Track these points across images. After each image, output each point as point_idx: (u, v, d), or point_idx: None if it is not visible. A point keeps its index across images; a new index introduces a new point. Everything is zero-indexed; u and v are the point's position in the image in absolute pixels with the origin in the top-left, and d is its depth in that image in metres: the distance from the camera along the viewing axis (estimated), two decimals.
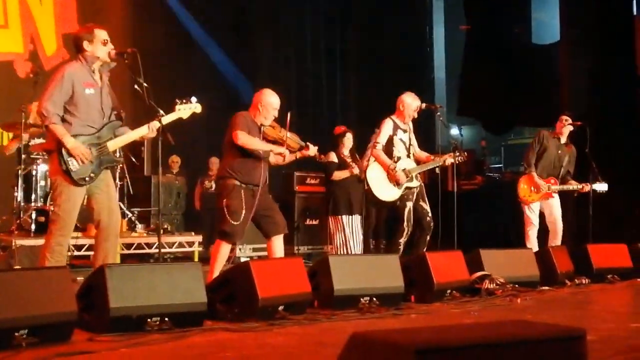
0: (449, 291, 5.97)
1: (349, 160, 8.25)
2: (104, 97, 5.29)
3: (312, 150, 6.10)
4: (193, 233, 9.21)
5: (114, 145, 5.29)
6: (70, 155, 5.04)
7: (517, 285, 6.27)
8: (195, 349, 3.88)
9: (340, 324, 4.79)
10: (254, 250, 9.41)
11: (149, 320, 4.26)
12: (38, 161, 8.01)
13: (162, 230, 8.88)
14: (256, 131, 5.92)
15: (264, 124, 5.97)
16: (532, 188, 8.18)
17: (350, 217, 8.11)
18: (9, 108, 9.42)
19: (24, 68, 11.08)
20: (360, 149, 8.47)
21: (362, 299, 5.34)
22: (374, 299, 5.38)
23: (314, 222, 10.00)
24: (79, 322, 4.08)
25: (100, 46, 5.21)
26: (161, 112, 5.29)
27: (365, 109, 12.90)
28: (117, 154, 5.61)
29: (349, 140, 8.34)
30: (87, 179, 5.11)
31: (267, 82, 6.70)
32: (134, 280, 4.32)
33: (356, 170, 8.02)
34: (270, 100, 6.00)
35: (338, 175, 8.07)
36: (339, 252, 7.93)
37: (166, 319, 4.31)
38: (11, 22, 11.20)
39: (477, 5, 12.78)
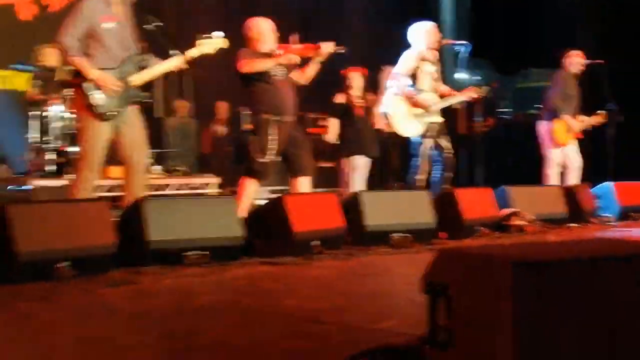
0: (477, 228, 5.90)
1: (357, 102, 8.07)
2: (125, 31, 5.11)
3: (326, 46, 5.89)
4: (212, 175, 9.11)
5: (140, 79, 5.14)
6: (94, 87, 4.90)
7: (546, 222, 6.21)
8: (240, 281, 3.83)
9: (377, 257, 4.77)
10: (273, 192, 9.32)
11: (186, 253, 4.20)
12: (51, 102, 7.85)
13: (178, 172, 8.83)
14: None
15: (273, 49, 5.84)
16: (566, 130, 8.07)
17: (360, 157, 7.97)
18: (15, 51, 9.23)
19: (28, 10, 10.85)
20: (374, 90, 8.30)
21: (393, 235, 5.29)
22: (406, 235, 5.32)
23: (329, 164, 9.90)
24: (117, 255, 4.02)
25: None
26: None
27: (372, 51, 12.69)
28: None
29: (353, 79, 8.08)
30: (112, 113, 4.97)
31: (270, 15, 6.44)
32: (172, 213, 4.26)
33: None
34: (260, 26, 5.87)
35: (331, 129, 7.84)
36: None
37: (204, 252, 4.25)
38: None
39: None
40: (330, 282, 3.87)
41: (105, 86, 4.87)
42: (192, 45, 5.24)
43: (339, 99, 7.84)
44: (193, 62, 5.19)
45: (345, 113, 7.79)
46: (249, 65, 5.69)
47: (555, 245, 2.40)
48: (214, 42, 5.29)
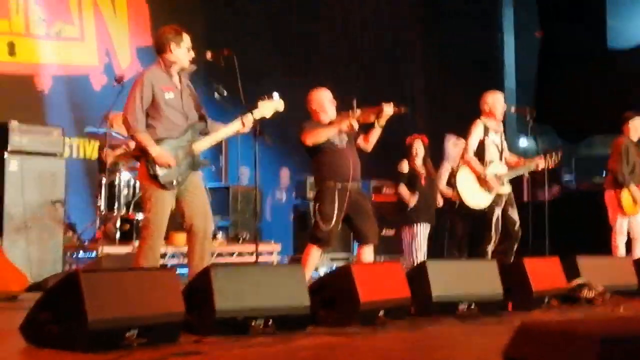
0: (546, 299, 5.76)
1: (422, 171, 8.07)
2: (184, 99, 5.24)
3: (388, 108, 5.91)
4: (272, 241, 9.15)
5: (201, 146, 5.24)
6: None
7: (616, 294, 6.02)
8: (307, 351, 3.78)
9: (444, 329, 4.67)
10: (332, 260, 9.31)
11: (253, 322, 4.18)
12: (121, 169, 8.05)
13: (240, 239, 8.89)
14: None
15: (332, 118, 5.88)
16: (634, 200, 7.90)
17: (421, 225, 7.92)
18: (87, 119, 9.54)
19: (99, 80, 11.24)
20: (432, 158, 8.29)
21: (460, 306, 5.19)
22: (473, 305, 5.22)
23: (390, 232, 9.85)
24: (184, 323, 4.02)
25: (185, 52, 5.17)
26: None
27: (433, 118, 12.72)
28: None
29: (418, 148, 8.11)
30: (174, 182, 5.07)
31: (328, 86, 6.53)
32: (239, 282, 4.25)
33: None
34: (319, 95, 5.99)
35: (402, 194, 7.83)
36: (412, 263, 7.75)
37: (270, 321, 4.23)
38: (87, 36, 11.36)
39: (551, 11, 12.54)
40: (399, 354, 3.80)
41: (162, 164, 4.98)
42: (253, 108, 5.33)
43: (404, 167, 7.85)
44: (259, 129, 5.26)
45: (409, 181, 7.79)
46: (312, 137, 5.77)
47: (637, 320, 2.31)
48: (272, 104, 5.37)
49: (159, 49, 5.21)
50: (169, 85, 5.15)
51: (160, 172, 5.02)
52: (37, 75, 10.49)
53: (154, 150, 5.01)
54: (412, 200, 7.77)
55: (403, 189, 7.77)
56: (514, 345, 2.02)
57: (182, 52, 5.17)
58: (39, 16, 10.51)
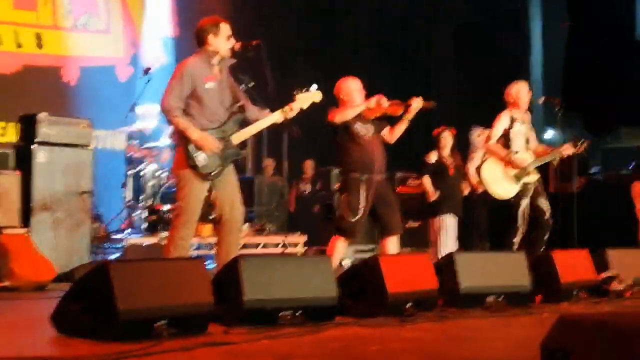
0: (575, 292, 5.70)
1: (449, 162, 8.03)
2: (224, 90, 5.24)
3: (417, 102, 5.89)
4: (298, 233, 9.14)
5: (238, 138, 5.24)
6: (197, 149, 5.00)
7: None
8: (337, 342, 3.78)
9: (472, 321, 4.65)
10: (357, 252, 9.28)
11: (281, 313, 4.18)
12: (147, 160, 8.08)
13: (266, 230, 8.90)
14: (355, 118, 5.81)
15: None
16: None
17: (445, 216, 7.87)
18: (114, 112, 9.58)
19: (125, 72, 11.28)
20: (460, 148, 8.25)
21: (488, 298, 5.15)
22: (501, 297, 5.18)
23: (416, 224, 9.81)
24: (213, 313, 4.02)
25: (224, 41, 5.15)
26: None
27: (461, 111, 12.63)
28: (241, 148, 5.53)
29: (446, 139, 8.06)
30: (213, 173, 5.06)
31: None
32: (267, 272, 4.25)
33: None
34: (348, 84, 5.96)
35: (426, 186, 7.78)
36: (438, 254, 7.71)
37: (298, 312, 4.22)
38: (113, 27, 11.40)
39: (579, 2, 12.41)
40: (428, 346, 3.78)
41: (206, 147, 4.97)
42: (289, 100, 5.31)
43: (432, 158, 7.82)
44: (288, 119, 5.26)
45: (437, 172, 7.75)
46: (341, 114, 5.74)
47: None
48: (310, 95, 5.36)
49: (199, 40, 5.20)
50: (209, 75, 5.15)
51: (199, 162, 5.01)
52: (64, 67, 10.55)
53: (194, 133, 4.99)
54: (433, 195, 7.73)
55: (427, 181, 7.74)
56: (554, 336, 1.99)
57: (221, 41, 5.15)
58: (66, 8, 10.56)
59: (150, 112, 8.30)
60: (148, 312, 3.71)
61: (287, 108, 5.26)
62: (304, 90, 5.35)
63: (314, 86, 5.37)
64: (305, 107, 5.37)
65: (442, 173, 7.86)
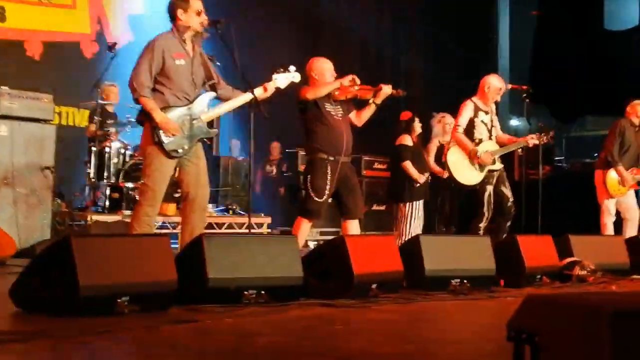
0: (538, 276, 5.75)
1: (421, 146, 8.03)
2: (195, 68, 5.16)
3: (387, 88, 5.88)
4: (262, 214, 9.11)
5: (209, 116, 5.17)
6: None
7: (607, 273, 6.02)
8: (301, 322, 3.76)
9: (437, 303, 4.66)
10: (321, 234, 9.28)
11: (245, 292, 4.14)
12: (111, 138, 7.97)
13: (231, 211, 8.84)
14: (325, 98, 5.78)
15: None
16: (619, 181, 7.89)
17: (416, 203, 7.87)
18: (77, 87, 9.44)
19: (90, 48, 11.10)
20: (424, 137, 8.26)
21: (452, 281, 5.17)
22: (465, 281, 5.20)
23: (381, 208, 9.83)
24: (176, 291, 3.97)
25: (194, 16, 5.06)
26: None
27: (428, 97, 12.66)
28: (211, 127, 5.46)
29: (417, 126, 8.07)
30: (179, 151, 5.00)
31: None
32: (232, 251, 4.21)
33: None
34: (321, 64, 5.90)
35: (410, 170, 7.72)
36: (403, 238, 7.71)
37: (263, 291, 4.18)
38: (78, 3, 11.19)
39: None
40: (393, 327, 3.77)
41: (167, 131, 4.91)
42: (259, 81, 5.26)
43: (408, 141, 7.75)
44: (262, 99, 5.20)
45: (413, 156, 7.72)
46: (313, 90, 5.69)
47: None
48: (288, 76, 5.31)
49: (171, 16, 5.12)
50: (180, 52, 5.07)
51: (165, 139, 4.94)
52: (28, 42, 10.34)
53: (158, 115, 4.92)
54: (421, 178, 7.70)
55: (410, 166, 7.66)
56: (520, 317, 1.98)
57: (189, 17, 5.06)
58: None
59: (113, 92, 8.18)
60: (110, 289, 3.65)
61: (260, 88, 5.21)
62: (281, 71, 5.30)
63: (292, 67, 5.33)
64: (282, 87, 5.33)
65: (418, 158, 7.85)
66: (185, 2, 5.05)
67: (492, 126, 7.14)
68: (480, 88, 7.12)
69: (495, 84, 7.09)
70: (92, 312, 3.52)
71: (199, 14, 5.07)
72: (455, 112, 7.40)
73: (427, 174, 7.83)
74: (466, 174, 6.99)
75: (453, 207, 8.66)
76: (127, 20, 11.65)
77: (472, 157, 6.91)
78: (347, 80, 5.75)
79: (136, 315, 3.62)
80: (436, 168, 8.15)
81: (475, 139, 6.98)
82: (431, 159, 8.29)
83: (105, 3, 11.47)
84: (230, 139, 11.28)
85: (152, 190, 5.00)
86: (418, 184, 7.64)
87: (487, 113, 7.11)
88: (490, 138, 7.08)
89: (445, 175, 7.64)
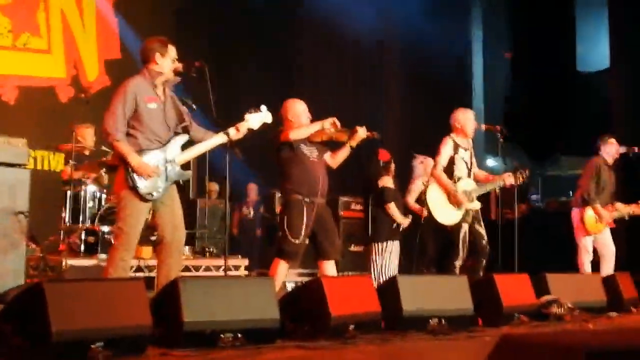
0: (516, 315, 5.74)
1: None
2: (167, 111, 5.16)
3: (362, 131, 5.91)
4: (240, 256, 9.05)
5: (182, 159, 5.17)
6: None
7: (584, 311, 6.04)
8: None
9: (416, 344, 4.63)
10: (299, 275, 9.22)
11: (222, 335, 4.10)
12: (87, 182, 7.92)
13: (207, 254, 8.78)
14: (300, 139, 5.80)
15: None
16: (597, 219, 7.95)
17: (391, 242, 7.84)
18: (52, 132, 9.40)
19: (66, 93, 11.10)
20: (399, 176, 8.27)
21: (430, 321, 5.15)
22: (443, 320, 5.19)
23: (359, 249, 9.80)
24: (151, 336, 3.92)
25: (170, 62, 5.08)
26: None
27: (403, 138, 12.72)
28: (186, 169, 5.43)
29: (393, 166, 8.08)
30: (154, 194, 4.97)
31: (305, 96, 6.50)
32: (208, 294, 4.18)
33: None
34: (296, 106, 5.96)
35: (395, 214, 7.70)
36: (380, 279, 7.67)
37: (239, 334, 4.15)
38: (54, 48, 11.23)
39: (522, 33, 12.68)
40: None
41: (144, 174, 4.89)
42: (233, 122, 5.26)
43: (389, 183, 7.73)
44: (234, 140, 5.21)
45: (392, 197, 7.68)
46: (296, 132, 5.72)
47: (628, 332, 2.29)
48: (261, 116, 5.33)
49: (144, 59, 5.11)
50: (152, 95, 5.06)
51: (139, 183, 4.92)
52: (3, 86, 10.34)
53: (134, 159, 4.90)
54: (406, 220, 7.70)
55: (394, 208, 7.64)
56: (496, 356, 1.97)
57: (167, 62, 5.07)
58: (5, 27, 10.37)
59: (89, 133, 8.16)
60: (83, 334, 3.60)
61: (232, 129, 5.22)
62: (253, 111, 5.32)
63: (264, 107, 5.34)
64: (255, 127, 5.33)
65: (398, 200, 7.84)
66: (164, 47, 5.07)
67: (470, 163, 7.16)
68: (453, 126, 7.15)
69: (461, 116, 7.10)
70: (65, 358, 3.46)
71: (174, 61, 5.10)
72: (429, 151, 7.42)
73: (410, 217, 7.83)
74: (445, 213, 6.96)
75: (435, 248, 8.62)
76: (104, 65, 11.69)
77: (450, 197, 6.90)
78: (328, 122, 5.79)
79: None
80: (415, 206, 8.14)
81: (455, 177, 6.98)
82: (412, 199, 8.27)
83: (81, 48, 11.51)
84: (207, 182, 11.26)
85: (127, 234, 4.96)
86: (395, 225, 7.63)
87: (466, 150, 7.12)
88: (469, 175, 7.09)
89: (425, 214, 7.63)
